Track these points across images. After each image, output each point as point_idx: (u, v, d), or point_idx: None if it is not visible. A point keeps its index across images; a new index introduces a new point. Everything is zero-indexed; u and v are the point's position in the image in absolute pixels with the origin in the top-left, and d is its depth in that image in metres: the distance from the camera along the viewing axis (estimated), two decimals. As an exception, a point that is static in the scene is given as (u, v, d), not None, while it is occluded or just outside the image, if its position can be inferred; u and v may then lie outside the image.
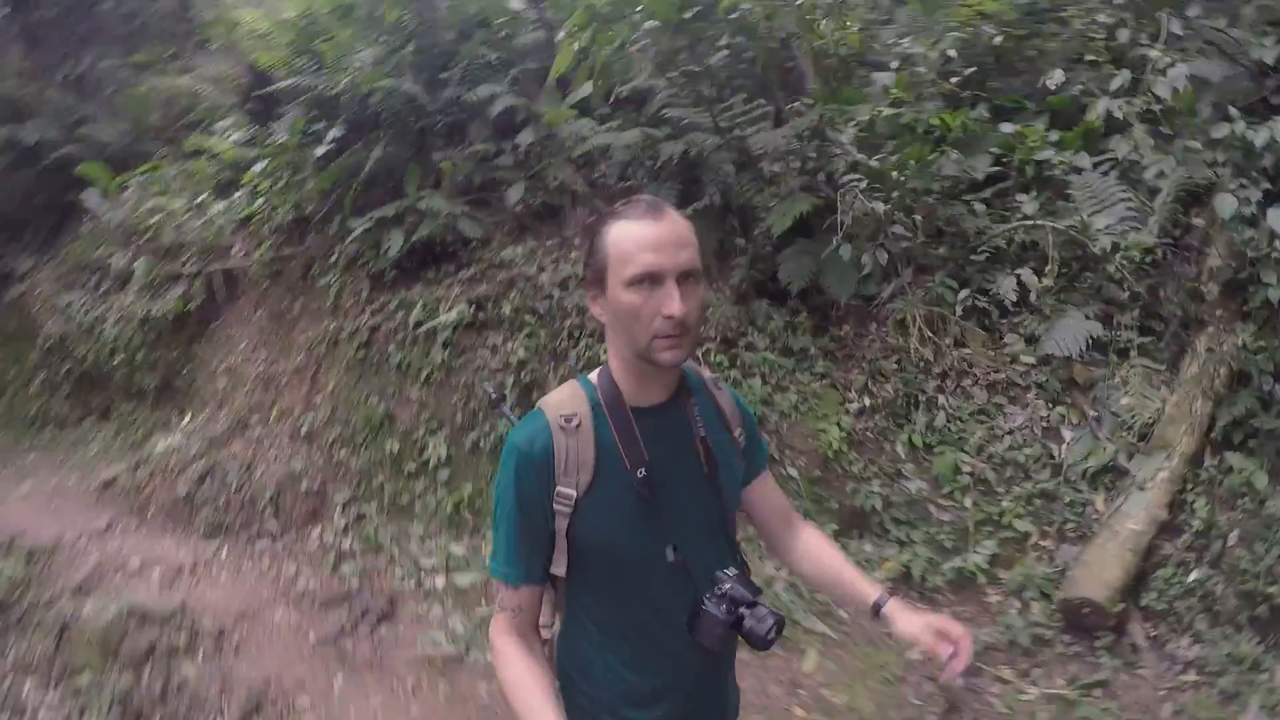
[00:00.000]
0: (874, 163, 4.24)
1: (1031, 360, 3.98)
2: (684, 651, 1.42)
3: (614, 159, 5.60)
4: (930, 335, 4.17)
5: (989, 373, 4.05)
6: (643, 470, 1.37)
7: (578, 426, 1.38)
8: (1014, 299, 4.12)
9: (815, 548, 1.63)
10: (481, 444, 4.91)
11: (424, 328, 5.38)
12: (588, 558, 1.41)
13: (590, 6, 4.85)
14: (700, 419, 1.45)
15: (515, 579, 1.42)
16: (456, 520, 4.78)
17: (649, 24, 4.68)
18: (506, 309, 5.20)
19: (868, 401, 4.11)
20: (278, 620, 4.19)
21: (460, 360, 5.22)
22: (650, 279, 1.30)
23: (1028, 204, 4.30)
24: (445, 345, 5.25)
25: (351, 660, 3.81)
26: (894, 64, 4.95)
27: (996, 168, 4.50)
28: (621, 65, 5.25)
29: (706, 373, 1.57)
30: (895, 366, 4.17)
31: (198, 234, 6.81)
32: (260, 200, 6.45)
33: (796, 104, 4.58)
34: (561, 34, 5.15)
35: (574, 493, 1.36)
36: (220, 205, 6.82)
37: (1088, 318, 3.92)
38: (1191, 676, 3.07)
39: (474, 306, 5.33)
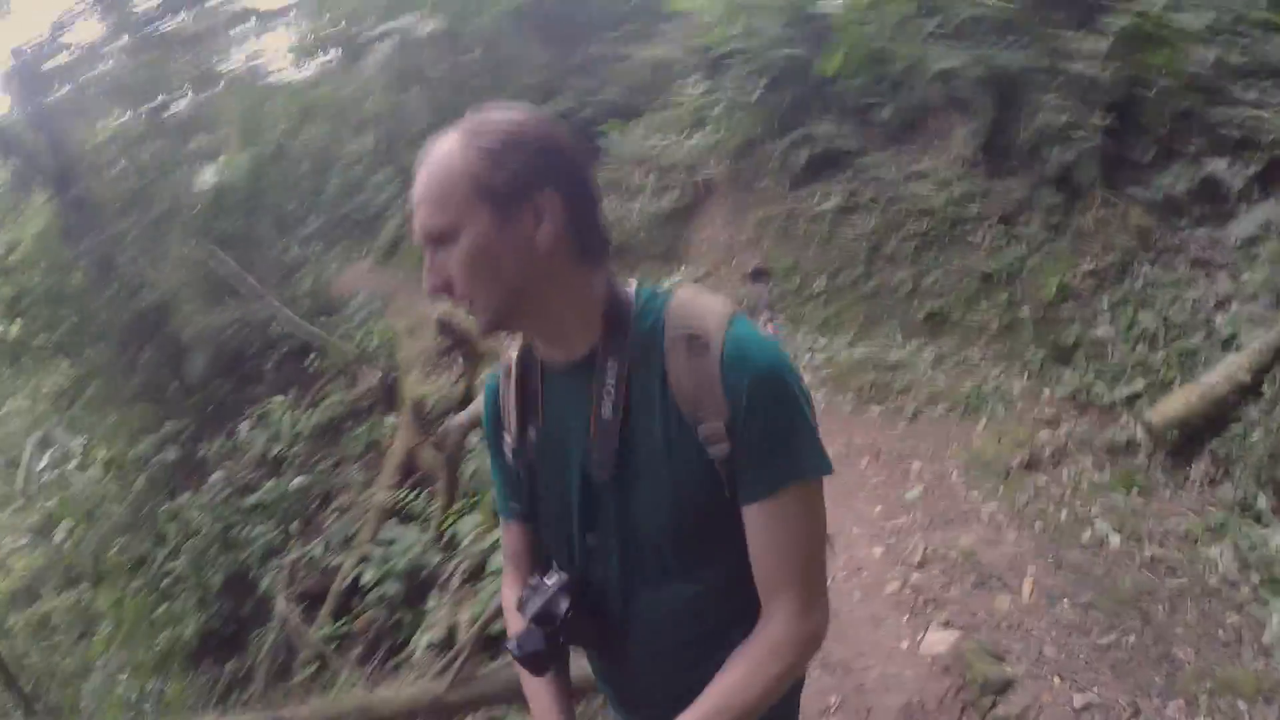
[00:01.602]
0: (1106, 73, 5.35)
1: (1233, 242, 4.91)
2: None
3: (961, 78, 7.23)
4: (1156, 217, 5.34)
5: (1200, 250, 5.12)
6: (533, 432, 1.24)
7: (507, 374, 1.30)
8: (1239, 185, 5.00)
9: (734, 657, 1.20)
10: (857, 283, 7.24)
11: (816, 210, 7.95)
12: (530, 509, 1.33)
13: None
14: (611, 389, 1.13)
15: (501, 510, 1.40)
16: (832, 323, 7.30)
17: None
18: (865, 198, 7.48)
19: (1091, 265, 5.51)
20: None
21: (836, 230, 7.67)
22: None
23: None
24: (828, 221, 7.75)
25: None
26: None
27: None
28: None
29: (704, 325, 1.14)
30: (1123, 241, 5.46)
31: (682, 157, 10.04)
32: (720, 133, 9.32)
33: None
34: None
35: (509, 438, 1.29)
36: (695, 138, 9.83)
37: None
38: (1212, 510, 3.78)
39: (848, 195, 7.70)
